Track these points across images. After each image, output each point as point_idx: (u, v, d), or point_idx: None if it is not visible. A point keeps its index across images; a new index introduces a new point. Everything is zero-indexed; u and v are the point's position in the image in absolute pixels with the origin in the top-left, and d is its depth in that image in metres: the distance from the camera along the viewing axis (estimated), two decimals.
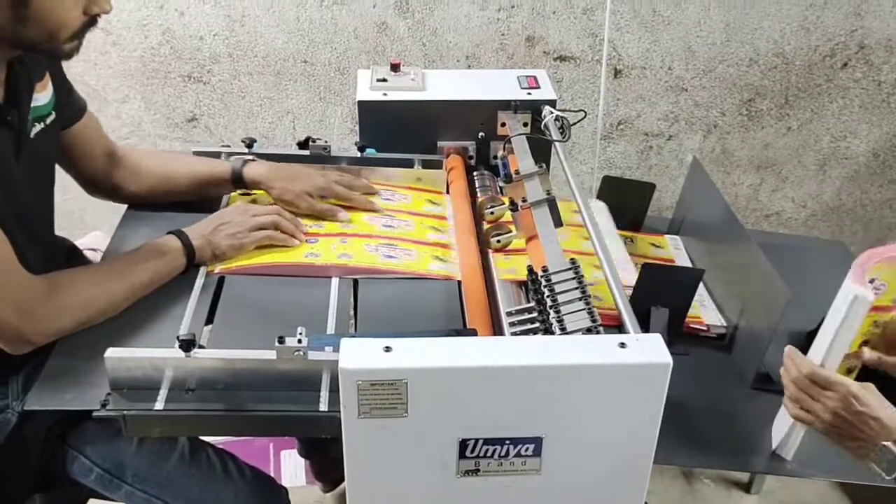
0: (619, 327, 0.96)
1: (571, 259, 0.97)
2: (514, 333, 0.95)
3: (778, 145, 2.01)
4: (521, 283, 1.12)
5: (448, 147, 1.41)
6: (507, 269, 1.14)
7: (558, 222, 1.14)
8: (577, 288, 0.92)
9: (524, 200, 1.14)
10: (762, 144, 2.01)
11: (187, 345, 0.84)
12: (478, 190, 1.39)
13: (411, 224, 1.23)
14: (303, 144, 1.39)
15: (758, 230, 1.98)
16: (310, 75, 1.86)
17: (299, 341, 0.85)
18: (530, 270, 0.97)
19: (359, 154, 1.35)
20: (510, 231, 1.19)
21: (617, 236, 1.35)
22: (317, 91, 1.88)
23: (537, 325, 0.91)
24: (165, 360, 0.86)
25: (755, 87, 1.92)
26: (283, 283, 1.09)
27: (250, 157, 1.25)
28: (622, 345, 0.78)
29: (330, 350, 0.88)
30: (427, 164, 1.37)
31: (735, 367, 1.16)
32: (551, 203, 1.14)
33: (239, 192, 1.26)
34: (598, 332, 0.84)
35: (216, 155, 1.31)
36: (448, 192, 1.35)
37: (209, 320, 1.02)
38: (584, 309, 0.89)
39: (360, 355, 0.76)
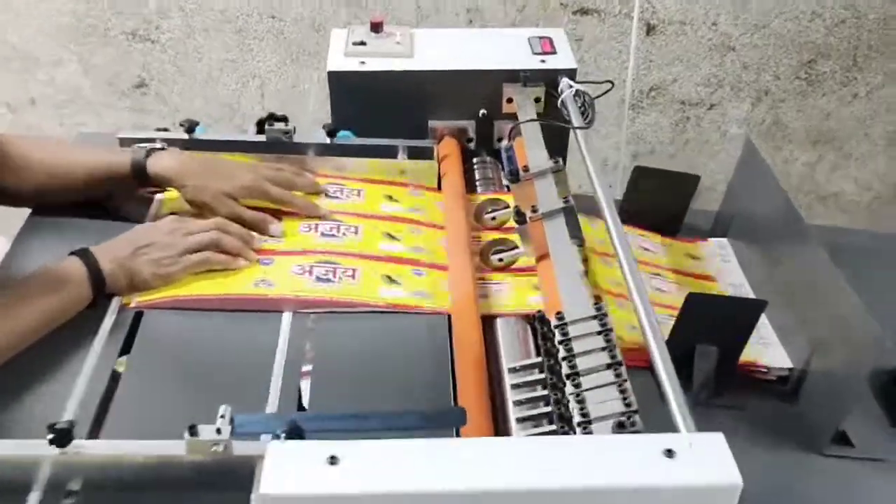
0: (649, 369, 0.78)
1: (596, 303, 0.76)
2: (517, 403, 0.74)
3: (841, 115, 1.79)
4: (530, 318, 0.91)
5: (441, 128, 1.20)
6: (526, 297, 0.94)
7: (578, 238, 0.93)
8: (604, 349, 0.71)
9: (534, 210, 0.93)
10: (822, 114, 1.79)
11: (61, 437, 0.64)
12: (477, 183, 1.18)
13: (360, 231, 1.02)
14: (261, 126, 1.18)
15: (818, 225, 1.75)
16: (279, 33, 1.64)
17: (218, 431, 0.65)
18: (541, 319, 0.76)
19: (328, 140, 1.13)
20: (516, 246, 0.98)
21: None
22: (288, 52, 1.67)
23: (549, 406, 0.70)
24: (35, 458, 0.66)
25: (817, 46, 1.71)
26: (219, 319, 0.89)
27: (159, 145, 1.04)
28: (669, 452, 0.58)
29: (268, 439, 0.68)
30: (414, 152, 1.15)
31: (804, 423, 0.95)
32: (569, 213, 0.92)
33: (165, 194, 1.04)
34: (632, 425, 0.64)
35: (149, 142, 1.09)
36: (440, 187, 1.14)
37: (115, 378, 0.82)
38: (613, 383, 0.68)
39: (291, 471, 0.56)
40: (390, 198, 1.10)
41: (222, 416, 0.67)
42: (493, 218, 1.05)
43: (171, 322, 0.88)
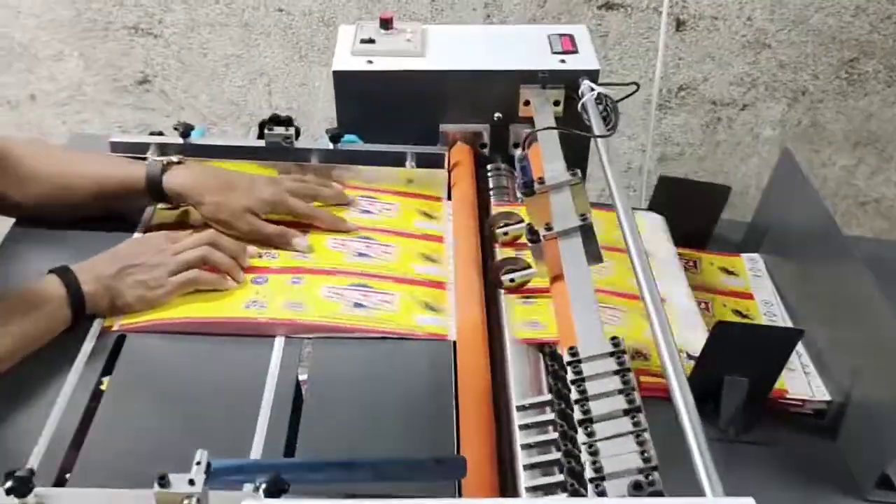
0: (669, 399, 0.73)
1: (613, 339, 0.69)
2: (526, 447, 0.69)
3: (884, 117, 1.72)
4: (544, 347, 0.85)
5: (454, 133, 1.15)
6: (528, 321, 0.88)
7: (596, 257, 0.87)
8: (621, 391, 0.65)
9: (548, 228, 0.86)
10: (864, 116, 1.72)
11: (20, 486, 0.59)
12: (491, 193, 1.12)
13: (394, 251, 0.96)
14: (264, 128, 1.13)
15: (857, 237, 1.68)
16: (286, 27, 1.60)
17: (191, 482, 0.60)
18: (552, 354, 0.70)
19: (331, 145, 1.08)
20: (529, 266, 0.92)
21: (678, 269, 1.06)
22: (296, 48, 1.62)
23: (559, 453, 0.64)
24: None
25: (860, 44, 1.63)
26: (206, 344, 0.84)
27: (176, 158, 0.99)
28: None
29: (249, 489, 0.63)
30: (423, 159, 1.10)
31: (843, 464, 0.88)
32: (586, 232, 0.86)
33: (161, 205, 1.00)
34: (651, 485, 0.58)
35: (140, 148, 1.05)
36: (450, 197, 1.08)
37: (93, 407, 0.77)
38: (631, 433, 0.62)
39: None
40: (426, 214, 1.04)
41: (198, 463, 0.62)
42: (506, 233, 0.99)
43: (155, 347, 0.83)
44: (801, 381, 0.96)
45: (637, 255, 0.80)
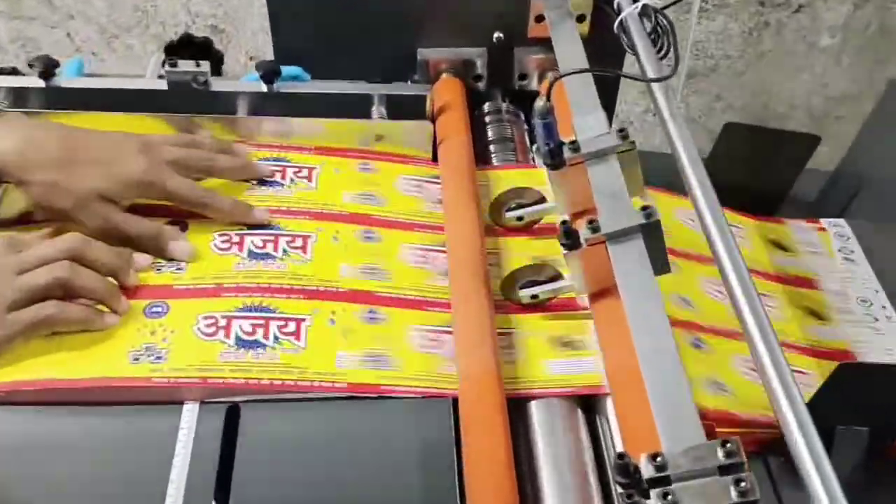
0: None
1: (725, 443, 0.46)
2: None
3: None
4: (586, 401, 0.62)
5: (437, 61, 0.91)
6: (565, 360, 0.64)
7: (662, 265, 0.63)
8: None
9: (593, 227, 0.61)
10: None
11: None
12: (491, 148, 0.87)
13: (310, 246, 0.70)
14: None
15: None
16: None
17: None
18: (623, 468, 0.46)
19: (264, 87, 0.81)
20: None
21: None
22: None
23: None
24: None
25: None
26: (74, 419, 0.59)
27: None
28: None
29: None
30: (395, 104, 0.83)
31: None
32: (649, 231, 0.62)
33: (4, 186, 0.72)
34: None
35: None
36: (435, 158, 0.82)
37: None
38: None
39: None
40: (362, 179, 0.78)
41: None
42: (520, 217, 0.75)
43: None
44: None
45: (731, 263, 0.56)
